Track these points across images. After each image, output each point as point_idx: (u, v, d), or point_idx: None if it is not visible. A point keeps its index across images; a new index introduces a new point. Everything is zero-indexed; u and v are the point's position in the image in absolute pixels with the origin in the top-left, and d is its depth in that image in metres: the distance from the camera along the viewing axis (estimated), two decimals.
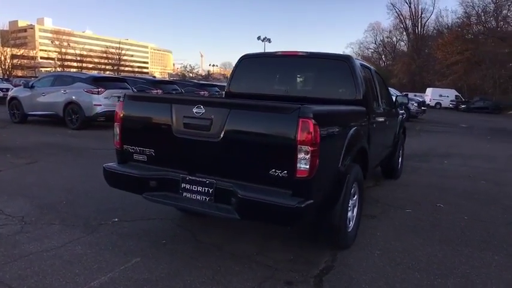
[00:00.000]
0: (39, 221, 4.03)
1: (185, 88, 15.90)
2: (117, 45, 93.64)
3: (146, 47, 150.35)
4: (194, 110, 3.03)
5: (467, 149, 11.32)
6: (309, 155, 2.65)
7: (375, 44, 74.87)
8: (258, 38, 56.09)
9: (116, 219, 4.18)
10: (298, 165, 2.68)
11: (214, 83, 19.80)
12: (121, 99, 3.45)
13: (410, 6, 63.66)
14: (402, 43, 71.25)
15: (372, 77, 4.81)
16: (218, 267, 3.17)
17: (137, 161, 3.37)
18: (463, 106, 40.09)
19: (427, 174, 7.41)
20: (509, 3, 49.47)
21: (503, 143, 13.91)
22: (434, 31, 61.95)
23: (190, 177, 3.11)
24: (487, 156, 10.05)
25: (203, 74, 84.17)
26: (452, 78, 49.12)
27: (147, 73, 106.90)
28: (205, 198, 3.04)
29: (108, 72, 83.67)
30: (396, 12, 65.69)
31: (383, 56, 76.77)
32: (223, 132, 2.92)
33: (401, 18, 65.88)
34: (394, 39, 72.25)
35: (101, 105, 11.09)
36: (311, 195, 2.74)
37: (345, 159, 3.26)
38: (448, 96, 43.78)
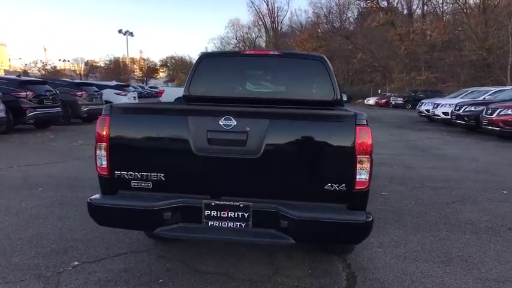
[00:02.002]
0: None
1: (57, 88, 13.81)
2: None
3: None
4: (222, 123, 2.54)
5: None
6: (367, 164, 2.48)
7: (236, 39, 77.54)
8: (120, 31, 52.57)
9: (77, 263, 3.33)
10: (357, 176, 2.48)
11: (91, 82, 17.68)
12: (104, 112, 2.70)
13: (268, 5, 67.72)
14: (261, 39, 75.50)
15: None
16: None
17: (137, 189, 2.69)
18: None
19: None
20: (347, 6, 56.81)
21: (374, 129, 15.84)
22: (291, 28, 67.24)
23: (216, 202, 2.62)
24: (376, 142, 11.26)
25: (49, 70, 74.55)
26: None
27: None
28: (240, 225, 2.60)
29: None
30: (255, 9, 69.16)
31: None
32: (263, 147, 2.52)
33: (261, 15, 69.66)
34: (253, 35, 76.03)
35: None
36: (365, 206, 2.58)
37: None
38: None
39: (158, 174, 2.64)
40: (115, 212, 2.63)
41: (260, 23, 71.79)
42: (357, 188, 2.50)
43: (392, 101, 35.71)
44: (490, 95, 16.32)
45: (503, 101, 13.49)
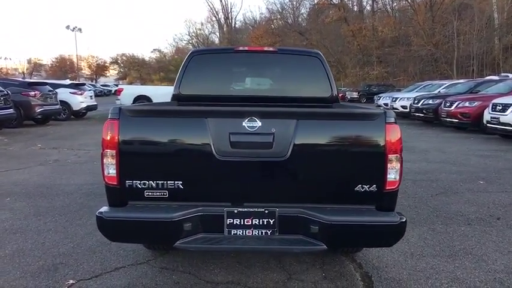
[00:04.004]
0: None
1: (8, 88, 12.78)
2: None
3: None
4: (246, 124, 2.37)
5: None
6: (398, 163, 2.41)
7: (189, 35, 76.27)
8: (67, 27, 49.93)
9: (72, 281, 3.03)
10: (388, 176, 2.41)
11: (45, 81, 16.48)
12: (111, 116, 2.43)
13: (221, 0, 67.14)
14: (214, 35, 74.77)
15: None
16: None
17: (151, 199, 2.45)
18: None
19: None
20: (300, 2, 57.66)
21: None
22: (244, 24, 67.19)
23: (239, 209, 2.45)
24: None
25: None
26: None
27: None
28: (266, 232, 2.45)
29: None
30: (209, 5, 68.38)
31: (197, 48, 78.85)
32: (290, 149, 2.38)
33: (214, 11, 68.98)
34: (207, 31, 75.11)
35: None
36: (394, 207, 2.52)
37: None
38: None
39: (176, 182, 2.42)
40: (130, 225, 2.39)
41: (214, 19, 71.14)
42: (387, 188, 2.43)
43: (348, 95, 36.69)
44: (444, 88, 17.15)
45: (459, 94, 14.19)
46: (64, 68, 79.76)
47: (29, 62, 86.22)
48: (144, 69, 70.27)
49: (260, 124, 2.38)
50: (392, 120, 2.40)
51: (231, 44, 63.98)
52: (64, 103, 15.50)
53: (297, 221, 2.43)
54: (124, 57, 79.22)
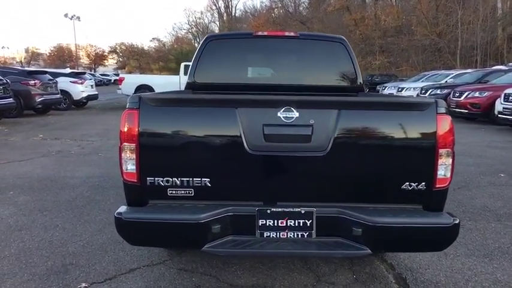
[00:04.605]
0: None
1: (7, 77, 12.46)
2: None
3: None
4: (281, 115, 2.13)
5: None
6: (449, 159, 2.17)
7: (188, 24, 75.36)
8: (66, 15, 49.19)
9: (85, 285, 2.80)
10: (438, 173, 2.17)
11: (45, 70, 16.13)
12: (130, 105, 2.18)
13: None
14: (214, 24, 73.83)
15: None
16: None
17: (175, 198, 2.22)
18: None
19: None
20: None
21: None
22: (245, 13, 66.41)
23: (273, 209, 2.21)
24: None
25: None
26: None
27: None
28: (302, 235, 2.22)
29: None
30: None
31: (197, 38, 78.17)
32: (331, 143, 2.14)
33: (214, 0, 68.04)
34: (206, 20, 74.17)
35: None
36: (443, 207, 2.29)
37: None
38: None
39: (203, 179, 2.18)
40: (153, 228, 2.15)
41: (214, 7, 70.20)
42: (437, 186, 2.20)
43: None
44: (451, 78, 16.86)
45: (467, 84, 13.91)
46: (62, 57, 78.90)
47: (26, 51, 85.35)
48: (143, 59, 69.45)
49: (297, 115, 2.13)
50: (444, 110, 2.16)
51: None
52: (64, 92, 15.16)
53: (337, 222, 2.20)
54: (123, 47, 78.27)
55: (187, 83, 3.78)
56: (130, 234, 2.21)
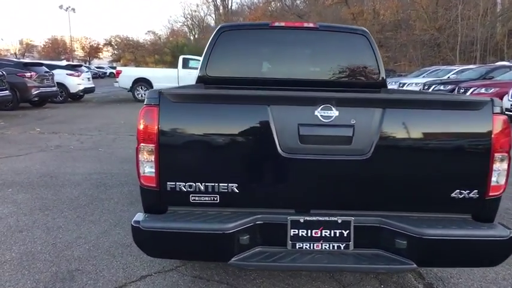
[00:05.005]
0: None
1: (3, 69, 12.13)
2: None
3: None
4: (318, 114, 1.92)
5: None
6: (504, 164, 1.98)
7: (184, 17, 74.48)
8: (61, 7, 48.49)
9: None
10: (492, 179, 1.97)
11: (41, 62, 15.77)
12: (149, 101, 1.96)
13: None
14: (210, 17, 73.03)
15: None
16: None
17: (198, 205, 2.00)
18: None
19: None
20: None
21: None
22: (241, 6, 65.86)
23: (306, 218, 2.01)
24: None
25: None
26: None
27: None
28: (338, 246, 2.02)
29: None
30: None
31: (193, 30, 77.40)
32: (374, 145, 1.93)
33: None
34: (202, 13, 73.36)
35: None
36: (494, 217, 2.10)
37: None
38: None
39: (229, 185, 1.97)
40: (176, 238, 1.93)
41: (210, 0, 69.40)
42: (490, 194, 2.00)
43: None
44: (454, 74, 16.68)
45: (472, 80, 13.74)
46: (57, 49, 77.95)
47: (20, 43, 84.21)
48: (138, 52, 68.65)
49: (337, 114, 1.92)
50: (499, 110, 1.96)
51: None
52: (61, 85, 14.84)
53: (377, 233, 2.00)
54: (118, 39, 77.35)
55: (198, 77, 3.56)
56: (150, 246, 2.00)
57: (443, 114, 1.97)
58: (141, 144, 1.96)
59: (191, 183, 1.96)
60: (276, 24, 3.54)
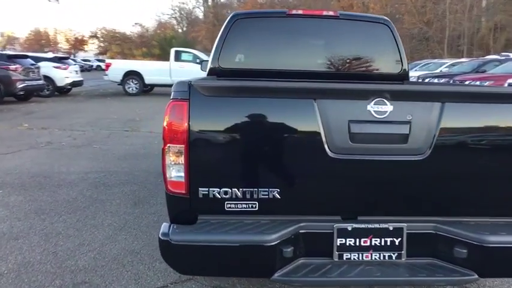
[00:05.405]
0: None
1: None
2: None
3: None
4: (371, 109, 1.69)
5: None
6: None
7: (172, 9, 73.43)
8: None
9: None
10: None
11: (26, 54, 15.17)
12: (176, 94, 1.70)
13: None
14: (198, 10, 72.07)
15: None
16: None
17: (233, 213, 1.76)
18: None
19: None
20: None
21: None
22: None
23: (354, 225, 1.78)
24: None
25: None
26: None
27: None
28: (389, 256, 1.80)
29: None
30: None
31: (181, 23, 76.39)
32: (433, 144, 1.72)
33: None
34: (190, 5, 72.43)
35: None
36: None
37: None
38: None
39: (271, 190, 1.72)
40: (213, 253, 1.68)
41: None
42: None
43: None
44: (446, 67, 16.68)
45: (465, 73, 13.72)
46: (40, 41, 76.13)
47: (1, 35, 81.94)
48: (126, 44, 67.44)
49: (391, 108, 1.69)
50: None
51: (216, 19, 61.84)
52: (47, 78, 14.30)
53: (433, 241, 1.80)
54: (104, 31, 75.82)
55: (210, 69, 3.29)
56: (183, 262, 1.74)
57: (508, 108, 1.76)
58: (168, 144, 1.70)
59: (227, 189, 1.72)
60: (294, 12, 3.29)
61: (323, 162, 1.71)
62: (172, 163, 1.71)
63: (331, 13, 3.31)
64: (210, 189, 1.71)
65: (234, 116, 1.72)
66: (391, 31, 3.31)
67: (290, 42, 3.37)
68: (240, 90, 1.75)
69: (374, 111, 1.69)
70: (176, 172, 1.72)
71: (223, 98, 1.72)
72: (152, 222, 3.53)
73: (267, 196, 1.73)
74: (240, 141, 1.75)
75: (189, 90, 1.68)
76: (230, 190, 1.72)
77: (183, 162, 1.70)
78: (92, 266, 2.78)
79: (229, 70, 3.24)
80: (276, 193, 1.73)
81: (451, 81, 12.84)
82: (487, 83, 11.58)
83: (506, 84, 10.28)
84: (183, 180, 1.72)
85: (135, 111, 11.03)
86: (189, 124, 1.68)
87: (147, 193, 4.28)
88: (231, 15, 3.31)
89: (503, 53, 18.87)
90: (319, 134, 1.69)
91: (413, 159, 1.73)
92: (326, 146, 1.70)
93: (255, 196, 1.73)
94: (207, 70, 3.36)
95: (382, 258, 1.80)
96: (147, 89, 16.73)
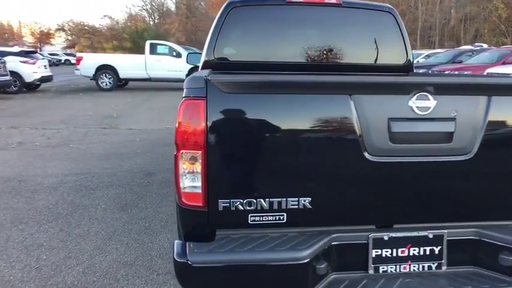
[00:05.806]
0: None
1: None
2: None
3: None
4: (413, 104, 1.49)
5: None
6: None
7: (142, 1, 71.56)
8: None
9: None
10: None
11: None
12: (190, 92, 1.45)
13: None
14: (170, 1, 70.58)
15: None
16: None
17: (258, 226, 1.53)
18: None
19: None
20: None
21: None
22: None
23: (391, 234, 1.60)
24: None
25: None
26: None
27: None
28: (428, 266, 1.63)
29: None
30: None
31: (152, 15, 74.61)
32: (479, 142, 1.54)
33: None
34: None
35: None
36: None
37: None
38: None
39: (301, 199, 1.51)
40: (238, 274, 1.45)
41: None
42: None
43: None
44: (423, 58, 16.88)
45: (441, 64, 13.90)
46: (4, 35, 72.70)
47: None
48: (95, 37, 65.23)
49: (434, 104, 1.51)
50: None
51: (189, 11, 60.73)
52: (14, 74, 13.51)
53: (474, 248, 1.64)
54: (71, 24, 73.06)
55: (204, 61, 3.04)
56: (204, 286, 1.50)
57: None
58: (182, 150, 1.45)
59: (251, 200, 1.49)
60: (294, 0, 3.06)
61: (361, 166, 1.51)
62: (187, 172, 1.47)
63: (333, 1, 3.10)
64: (232, 200, 1.48)
65: (258, 116, 1.48)
66: (396, 20, 3.15)
67: (290, 32, 3.16)
68: (265, 86, 1.51)
69: (416, 107, 1.50)
70: (191, 182, 1.48)
71: (246, 96, 1.48)
72: (143, 229, 3.27)
73: (296, 206, 1.51)
74: (266, 145, 1.52)
75: (206, 87, 1.43)
76: (255, 201, 1.49)
77: (199, 170, 1.45)
78: (81, 283, 2.51)
79: (226, 63, 2.99)
80: (307, 202, 1.51)
81: (430, 72, 12.97)
82: (465, 73, 11.77)
83: (485, 74, 10.42)
84: (200, 191, 1.47)
85: (111, 107, 10.55)
86: (206, 126, 1.43)
87: (134, 196, 3.99)
88: (226, 3, 3.05)
89: (476, 44, 19.32)
90: (356, 134, 1.49)
91: (458, 159, 1.55)
92: (364, 148, 1.50)
93: (283, 207, 1.51)
94: (201, 63, 3.10)
95: (421, 269, 1.63)
96: (121, 84, 16.13)
